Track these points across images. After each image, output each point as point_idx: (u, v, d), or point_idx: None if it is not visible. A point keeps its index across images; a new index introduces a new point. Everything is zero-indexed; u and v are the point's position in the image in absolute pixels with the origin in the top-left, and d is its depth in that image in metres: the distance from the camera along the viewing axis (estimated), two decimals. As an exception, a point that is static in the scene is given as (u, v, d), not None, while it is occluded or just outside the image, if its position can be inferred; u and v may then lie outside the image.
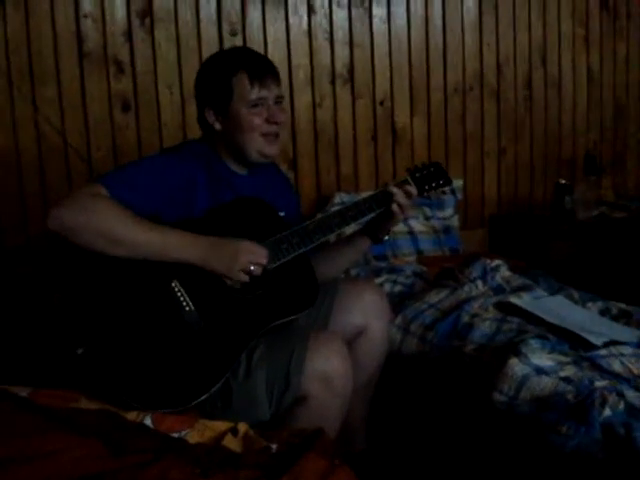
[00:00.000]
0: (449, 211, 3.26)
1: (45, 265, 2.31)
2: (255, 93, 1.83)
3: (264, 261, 1.74)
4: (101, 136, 2.92)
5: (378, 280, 2.67)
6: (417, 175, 2.02)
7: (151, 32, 2.92)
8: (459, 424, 2.10)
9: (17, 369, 1.78)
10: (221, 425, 1.47)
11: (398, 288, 2.64)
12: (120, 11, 2.87)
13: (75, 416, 1.44)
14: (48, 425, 1.37)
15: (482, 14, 3.35)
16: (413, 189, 1.95)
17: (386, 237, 2.04)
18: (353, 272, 2.78)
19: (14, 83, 2.78)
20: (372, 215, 1.97)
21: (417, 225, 3.13)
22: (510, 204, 3.56)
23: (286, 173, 3.07)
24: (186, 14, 2.95)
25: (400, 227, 3.08)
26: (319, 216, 1.95)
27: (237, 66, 1.85)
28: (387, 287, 2.63)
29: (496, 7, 3.38)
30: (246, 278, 1.73)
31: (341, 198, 3.08)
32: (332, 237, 1.99)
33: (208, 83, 1.88)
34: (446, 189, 2.11)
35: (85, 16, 2.83)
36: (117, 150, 2.93)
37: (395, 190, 1.93)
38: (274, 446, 1.40)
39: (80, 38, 2.84)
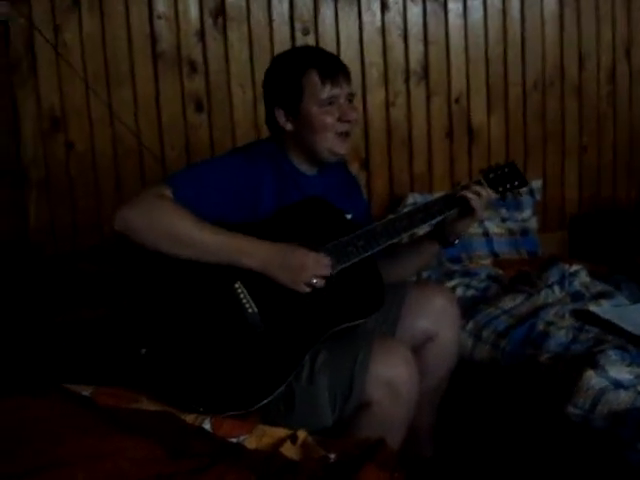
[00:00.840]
0: (527, 212, 3.14)
1: (114, 265, 2.34)
2: (327, 92, 1.79)
3: (328, 274, 1.71)
4: (174, 136, 2.95)
5: (450, 283, 2.60)
6: (491, 176, 1.94)
7: (224, 32, 2.93)
8: (531, 435, 2.02)
9: (81, 367, 1.80)
10: (280, 432, 1.45)
11: (471, 292, 2.56)
12: (193, 11, 2.89)
13: (135, 417, 1.46)
14: (108, 426, 1.38)
15: (563, 6, 3.21)
16: (486, 191, 1.88)
17: (456, 241, 1.97)
18: (424, 275, 2.71)
19: (90, 86, 2.83)
20: (442, 218, 1.91)
21: (493, 227, 3.04)
22: (592, 205, 3.40)
23: (358, 172, 3.07)
24: (258, 13, 2.94)
25: (475, 229, 3.00)
26: (387, 218, 1.89)
27: (307, 64, 1.81)
28: (460, 291, 2.56)
29: (578, -1, 3.23)
30: (308, 290, 1.70)
31: (414, 198, 3.01)
32: (401, 239, 1.92)
33: (278, 82, 1.86)
34: (522, 190, 2.03)
35: (159, 17, 2.86)
36: (190, 149, 2.96)
37: (467, 192, 1.86)
38: (332, 456, 1.36)
39: (154, 39, 2.87)
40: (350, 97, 1.86)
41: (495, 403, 2.19)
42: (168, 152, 2.93)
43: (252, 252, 1.65)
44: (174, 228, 1.61)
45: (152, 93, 2.91)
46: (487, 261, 2.94)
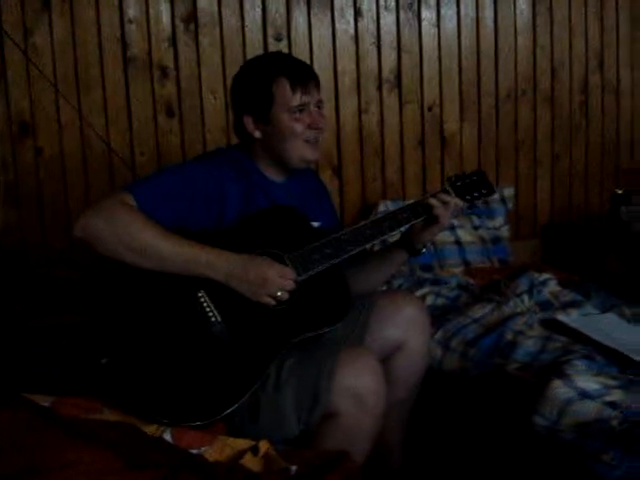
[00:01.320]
0: (499, 220, 3.15)
1: (84, 270, 2.32)
2: (297, 99, 1.78)
3: (292, 286, 1.69)
4: (145, 141, 2.92)
5: (421, 292, 2.60)
6: (458, 184, 1.94)
7: (195, 37, 2.91)
8: (499, 445, 2.01)
9: (41, 376, 1.77)
10: (242, 443, 1.42)
11: (441, 301, 2.55)
12: (165, 16, 2.87)
13: (95, 428, 1.42)
14: (66, 437, 1.34)
15: (536, 16, 3.23)
16: (452, 199, 1.88)
17: (424, 250, 1.96)
18: (396, 283, 2.71)
19: (60, 90, 2.79)
20: (409, 225, 1.90)
21: (464, 235, 3.03)
22: (564, 214, 3.42)
23: (330, 180, 3.06)
24: (230, 19, 2.92)
25: (447, 236, 2.99)
26: (354, 226, 1.88)
27: (277, 71, 1.80)
28: (430, 300, 2.55)
29: (550, 9, 3.25)
30: (272, 302, 1.68)
31: (386, 206, 3.00)
32: (368, 247, 1.91)
33: (247, 89, 1.84)
34: (492, 198, 2.02)
35: (130, 21, 2.84)
36: (160, 155, 2.93)
37: (433, 200, 1.86)
38: (294, 467, 1.34)
39: (125, 43, 2.84)
40: (319, 104, 1.85)
41: (464, 413, 2.18)
42: (138, 157, 2.90)
43: (214, 264, 1.63)
44: (135, 237, 1.58)
45: (122, 98, 2.88)
46: (459, 269, 2.93)
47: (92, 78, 2.84)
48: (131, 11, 2.83)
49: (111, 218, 1.59)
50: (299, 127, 1.79)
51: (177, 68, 2.91)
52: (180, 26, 2.89)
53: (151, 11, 2.85)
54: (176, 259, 1.61)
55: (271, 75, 1.80)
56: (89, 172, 2.88)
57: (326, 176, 3.05)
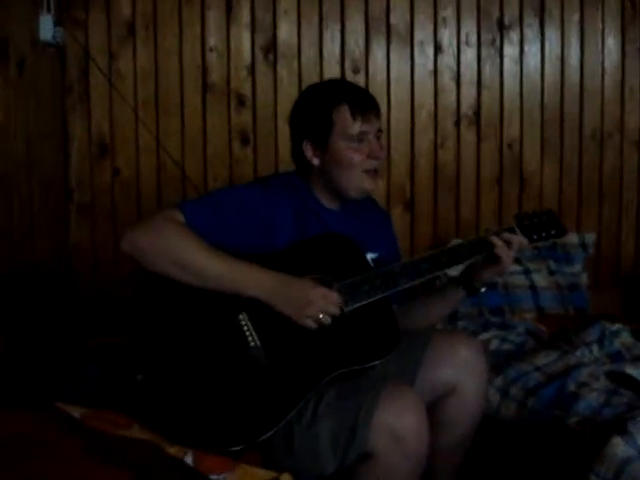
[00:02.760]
0: (577, 267, 2.99)
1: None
2: (357, 127, 1.75)
3: (336, 311, 1.64)
4: (218, 168, 2.96)
5: (485, 336, 2.48)
6: (525, 222, 1.86)
7: (274, 67, 2.94)
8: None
9: (77, 387, 1.78)
10: (264, 474, 1.39)
11: (507, 346, 2.43)
12: (245, 45, 2.92)
13: (117, 444, 1.41)
14: (87, 451, 1.34)
15: (625, 55, 3.09)
16: (517, 238, 1.79)
17: (483, 289, 1.87)
18: (460, 324, 2.61)
19: (139, 115, 2.87)
20: (467, 263, 1.82)
21: (539, 279, 2.89)
22: (649, 264, 3.23)
23: (401, 214, 3.00)
24: (309, 50, 2.94)
25: (521, 280, 2.87)
26: (409, 259, 1.82)
27: (338, 98, 1.78)
28: (494, 344, 2.44)
29: (640, 49, 3.11)
30: (314, 325, 1.63)
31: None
32: (422, 282, 1.83)
33: (307, 115, 1.82)
34: (567, 242, 1.93)
35: (210, 50, 2.89)
36: (233, 181, 2.95)
37: (496, 239, 1.78)
38: (313, 504, 1.28)
39: (205, 71, 2.90)
40: (379, 134, 1.81)
41: (519, 465, 2.05)
42: (211, 183, 2.93)
43: (258, 281, 1.61)
44: (181, 253, 1.58)
45: (199, 125, 2.94)
46: (531, 315, 2.80)
47: (171, 104, 2.92)
48: (212, 40, 2.90)
49: (158, 233, 1.59)
50: (357, 157, 1.76)
51: (254, 97, 2.95)
52: (259, 56, 2.93)
53: (232, 40, 2.91)
54: (222, 277, 1.59)
55: (332, 101, 1.78)
56: (163, 195, 2.94)
57: (397, 211, 3.00)
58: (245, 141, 2.96)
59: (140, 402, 1.56)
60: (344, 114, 1.76)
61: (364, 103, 1.79)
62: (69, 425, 1.43)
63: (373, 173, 1.79)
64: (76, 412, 1.52)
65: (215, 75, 2.92)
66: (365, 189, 1.80)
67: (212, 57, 2.91)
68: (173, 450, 1.43)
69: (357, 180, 1.77)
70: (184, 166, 2.93)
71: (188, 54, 2.89)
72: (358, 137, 1.76)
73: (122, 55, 2.87)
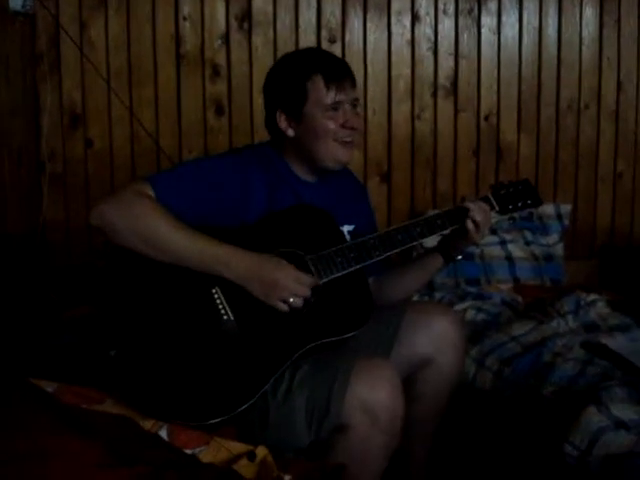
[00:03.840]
0: (554, 237, 3.01)
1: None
2: (331, 97, 1.73)
3: (307, 293, 1.62)
4: (193, 138, 2.93)
5: (461, 306, 2.50)
6: (501, 192, 1.85)
7: (249, 36, 2.90)
8: (527, 469, 1.90)
9: (50, 362, 1.76)
10: (238, 447, 1.38)
11: (482, 316, 2.45)
12: (219, 14, 2.87)
13: (92, 418, 1.40)
14: (60, 425, 1.32)
15: (603, 26, 3.08)
16: (492, 206, 1.79)
17: (459, 257, 1.87)
18: (437, 295, 2.62)
19: (112, 85, 2.82)
20: (443, 233, 1.82)
21: (516, 250, 2.90)
22: (625, 235, 3.25)
23: (378, 186, 2.99)
24: (285, 19, 2.91)
25: (496, 250, 2.88)
26: (383, 230, 1.80)
27: (312, 68, 1.75)
28: (470, 315, 2.45)
29: (619, 19, 3.09)
30: (285, 308, 1.61)
31: (431, 214, 2.91)
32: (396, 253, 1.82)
33: (281, 85, 1.79)
34: (537, 211, 1.93)
35: (184, 18, 2.85)
36: (208, 153, 2.92)
37: (472, 206, 1.77)
38: (288, 477, 1.28)
39: (178, 40, 2.85)
40: (355, 102, 1.78)
41: (494, 434, 2.07)
42: (185, 154, 2.90)
43: (228, 262, 1.58)
44: (149, 230, 1.55)
45: (173, 95, 2.90)
46: (507, 286, 2.81)
47: (144, 74, 2.87)
48: (186, 8, 2.85)
49: (127, 209, 1.56)
50: (332, 125, 1.73)
51: (229, 67, 2.91)
52: (234, 24, 2.88)
53: (206, 9, 2.86)
54: (191, 254, 1.57)
55: (306, 71, 1.75)
56: (137, 167, 2.91)
57: (374, 182, 2.98)
58: (220, 111, 2.93)
59: (114, 377, 1.54)
60: (318, 84, 1.73)
61: (338, 72, 1.76)
62: (41, 399, 1.41)
63: (348, 143, 1.77)
64: (49, 387, 1.50)
65: (189, 44, 2.87)
66: (339, 159, 1.77)
67: (186, 26, 2.86)
68: (148, 424, 1.41)
69: (332, 150, 1.75)
70: (158, 137, 2.89)
71: (161, 23, 2.84)
72: (333, 106, 1.73)
73: (93, 24, 2.81)
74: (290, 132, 1.77)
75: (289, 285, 1.60)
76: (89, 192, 2.89)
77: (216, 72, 2.90)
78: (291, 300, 1.60)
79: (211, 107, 2.91)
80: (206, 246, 1.58)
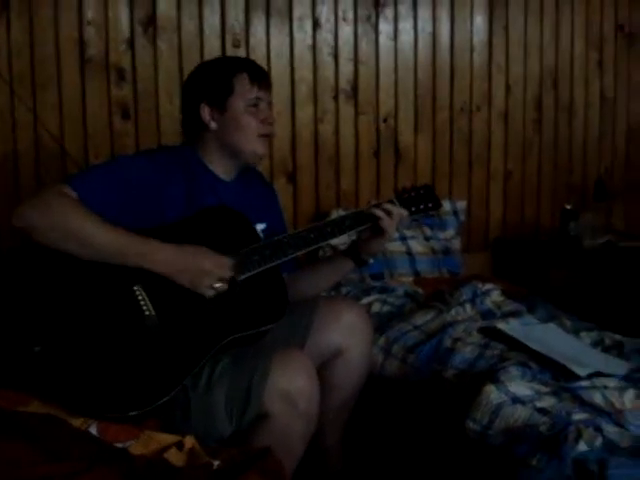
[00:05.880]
0: (450, 232, 3.18)
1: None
2: (254, 92, 1.86)
3: (228, 275, 1.70)
4: (100, 143, 2.91)
5: (368, 299, 2.62)
6: (405, 196, 1.98)
7: (153, 41, 2.92)
8: (435, 449, 2.03)
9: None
10: (167, 438, 1.43)
11: (387, 308, 2.58)
12: (123, 19, 2.87)
13: (19, 420, 1.41)
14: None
15: (492, 34, 3.29)
16: (397, 209, 1.91)
17: (370, 260, 1.99)
18: (343, 290, 2.73)
19: (14, 89, 2.78)
20: (352, 233, 1.93)
21: (416, 245, 3.06)
22: (516, 228, 3.47)
23: (284, 186, 3.08)
24: (189, 24, 2.94)
25: (398, 246, 3.03)
26: (296, 230, 1.90)
27: (238, 67, 1.89)
28: (376, 307, 2.57)
29: (506, 27, 3.31)
30: (212, 293, 1.69)
31: (339, 215, 3.01)
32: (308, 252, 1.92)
33: (206, 79, 1.89)
34: (439, 212, 2.06)
35: (88, 23, 2.84)
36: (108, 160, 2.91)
37: (378, 210, 1.89)
38: (217, 462, 1.35)
39: (82, 45, 2.84)
40: (270, 105, 1.92)
41: (403, 417, 2.20)
42: (92, 159, 2.88)
43: (154, 254, 1.64)
44: (70, 226, 1.59)
45: (78, 99, 2.87)
46: (409, 279, 2.96)
47: (48, 78, 2.83)
48: (90, 12, 2.83)
49: (47, 208, 1.59)
50: (253, 121, 1.86)
51: (134, 71, 2.91)
52: (139, 29, 2.89)
53: (110, 13, 2.85)
54: (112, 248, 1.61)
55: (232, 69, 1.88)
56: (42, 173, 2.86)
57: (280, 183, 3.06)
58: (126, 115, 2.93)
59: (38, 375, 1.54)
60: (243, 81, 1.86)
61: (261, 73, 1.91)
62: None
63: (266, 138, 1.89)
64: (-30, 393, 1.50)
65: (93, 49, 2.86)
66: (258, 152, 1.88)
67: (90, 31, 2.84)
68: (77, 422, 1.43)
69: (252, 143, 1.86)
70: (64, 142, 2.86)
71: (65, 27, 2.81)
72: (254, 102, 1.86)
73: (-6, 27, 2.76)
74: (213, 125, 1.86)
75: (213, 270, 1.68)
76: (-7, 198, 2.83)
77: (121, 76, 2.90)
78: (217, 285, 1.68)
79: (117, 111, 2.91)
80: (128, 240, 1.63)
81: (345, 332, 1.94)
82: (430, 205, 2.00)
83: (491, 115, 3.36)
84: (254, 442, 1.64)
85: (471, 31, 3.28)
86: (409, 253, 3.03)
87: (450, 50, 3.26)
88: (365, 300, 2.59)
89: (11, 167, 2.84)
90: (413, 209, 1.96)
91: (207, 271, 1.67)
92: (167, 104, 2.95)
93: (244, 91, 1.85)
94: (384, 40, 3.17)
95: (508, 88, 3.38)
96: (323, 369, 1.91)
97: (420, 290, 2.79)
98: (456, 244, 3.19)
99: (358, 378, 1.99)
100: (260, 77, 1.88)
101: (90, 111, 2.89)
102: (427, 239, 3.10)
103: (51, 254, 1.60)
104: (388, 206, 1.90)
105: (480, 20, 3.28)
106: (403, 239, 3.02)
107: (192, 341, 1.66)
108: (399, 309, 2.57)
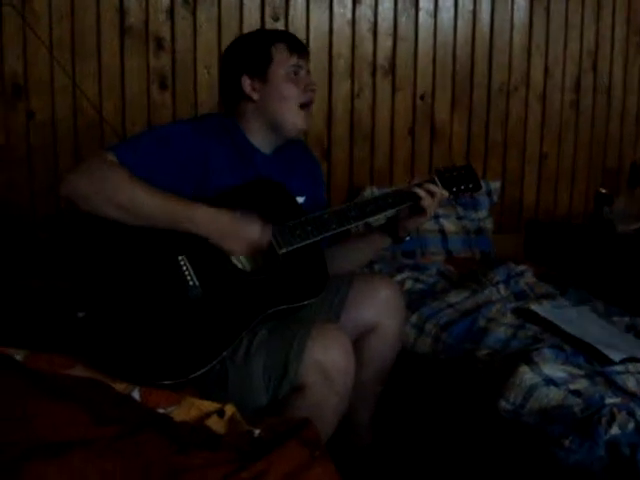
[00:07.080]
0: (483, 212, 3.17)
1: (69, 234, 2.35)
2: (294, 60, 1.86)
3: (267, 239, 1.74)
4: (137, 112, 2.93)
5: (400, 277, 2.62)
6: (446, 176, 1.98)
7: (193, 12, 2.91)
8: (466, 427, 2.04)
9: (19, 330, 1.79)
10: (208, 405, 1.45)
11: (419, 286, 2.58)
12: (164, -11, 2.87)
13: (64, 383, 1.44)
14: (33, 390, 1.37)
15: (533, 14, 3.25)
16: (439, 190, 1.91)
17: (407, 238, 2.00)
18: (376, 267, 2.74)
19: (55, 56, 2.80)
20: (392, 212, 1.93)
21: (448, 224, 3.06)
22: (549, 211, 3.45)
23: (319, 162, 3.07)
24: (229, -5, 2.93)
25: (431, 225, 3.02)
26: (338, 207, 1.91)
27: (276, 38, 1.90)
28: (408, 284, 2.58)
29: (548, 9, 3.26)
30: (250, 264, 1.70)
31: (373, 192, 3.02)
32: (350, 229, 1.93)
33: (246, 50, 1.90)
34: (477, 193, 2.07)
35: (129, -8, 2.84)
36: (151, 126, 2.93)
37: (419, 190, 1.89)
38: (257, 431, 1.37)
39: (122, 13, 2.85)
40: (309, 73, 1.92)
41: (434, 395, 2.21)
42: (129, 127, 2.90)
43: (201, 218, 1.66)
44: (118, 193, 1.60)
45: (117, 68, 2.89)
46: (440, 257, 2.97)
47: (88, 46, 2.84)
48: (131, -18, 2.84)
49: (95, 175, 1.61)
50: (294, 88, 1.86)
51: (173, 41, 2.91)
52: (179, 0, 2.89)
53: (151, -18, 2.86)
54: (162, 214, 1.63)
55: (270, 40, 1.89)
56: (80, 140, 2.89)
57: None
58: (163, 86, 2.94)
59: (82, 341, 1.58)
60: (282, 50, 1.87)
61: (299, 43, 1.91)
62: (11, 366, 1.45)
63: (307, 108, 1.89)
64: (18, 355, 1.53)
65: (133, 18, 2.86)
66: (298, 126, 1.88)
67: (130, 0, 2.86)
68: (120, 387, 1.47)
69: (293, 115, 1.86)
70: (101, 110, 2.88)
71: (105, -4, 2.83)
72: (295, 69, 1.86)
73: (36, -7, 2.77)
74: (255, 95, 1.87)
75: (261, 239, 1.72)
76: (31, 164, 2.86)
77: (160, 46, 2.90)
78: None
79: (155, 81, 2.92)
80: (177, 204, 1.65)
81: (380, 308, 1.95)
82: (471, 186, 2.00)
83: (528, 96, 3.33)
84: (290, 414, 1.66)
85: (512, 10, 3.24)
86: (441, 232, 3.03)
87: (490, 29, 3.23)
88: (398, 277, 2.60)
89: (50, 133, 2.87)
90: (454, 189, 1.97)
91: (255, 240, 1.70)
92: (205, 75, 2.95)
93: (283, 59, 1.85)
94: (424, 17, 3.15)
95: (547, 69, 3.34)
96: (357, 345, 1.91)
97: (452, 269, 2.79)
98: (488, 224, 3.18)
99: (391, 354, 2.00)
100: (298, 46, 1.89)
101: (128, 80, 2.90)
102: (459, 218, 3.09)
103: (96, 222, 1.62)
104: (430, 186, 1.91)
105: (521, 0, 3.24)
106: (436, 218, 3.02)
107: (233, 313, 1.69)
108: (431, 287, 2.58)
